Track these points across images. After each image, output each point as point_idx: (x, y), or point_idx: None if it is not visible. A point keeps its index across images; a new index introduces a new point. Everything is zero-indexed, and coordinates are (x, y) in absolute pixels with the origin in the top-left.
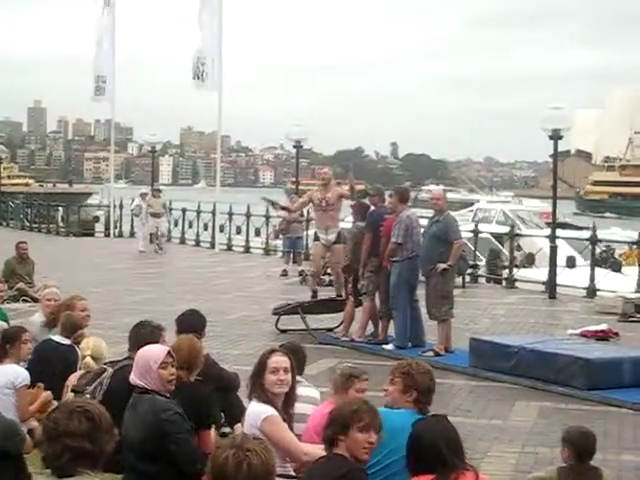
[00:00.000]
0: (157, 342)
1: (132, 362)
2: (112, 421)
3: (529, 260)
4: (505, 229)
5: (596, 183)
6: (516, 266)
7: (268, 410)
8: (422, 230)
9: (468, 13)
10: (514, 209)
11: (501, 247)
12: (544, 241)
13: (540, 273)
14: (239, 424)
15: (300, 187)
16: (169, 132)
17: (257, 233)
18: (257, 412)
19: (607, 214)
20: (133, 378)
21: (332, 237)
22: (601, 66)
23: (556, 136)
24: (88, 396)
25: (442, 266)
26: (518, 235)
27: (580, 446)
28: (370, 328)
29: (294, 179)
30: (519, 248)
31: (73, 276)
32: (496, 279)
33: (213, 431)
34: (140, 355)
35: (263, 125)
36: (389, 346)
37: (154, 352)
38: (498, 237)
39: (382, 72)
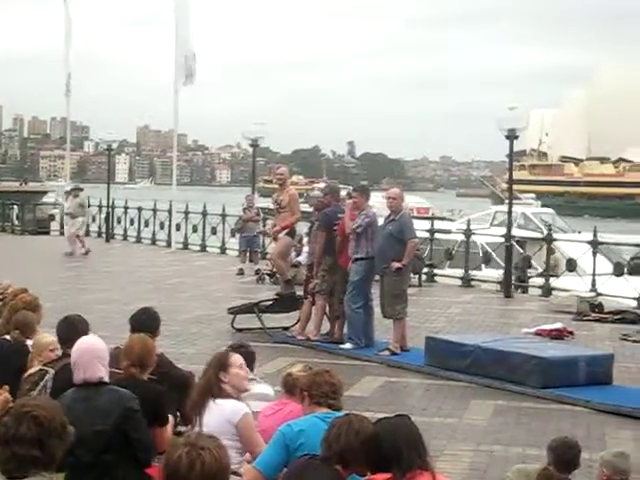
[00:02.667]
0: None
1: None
2: (65, 421)
3: (569, 267)
4: (527, 233)
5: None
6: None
7: (245, 407)
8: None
9: (423, 11)
10: (537, 212)
11: (522, 251)
12: (576, 247)
13: (583, 282)
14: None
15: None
16: (126, 131)
17: (213, 232)
18: (236, 408)
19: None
20: (93, 373)
21: (281, 235)
22: (555, 66)
23: (512, 136)
24: None
25: (396, 265)
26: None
27: (559, 455)
28: (326, 327)
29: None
30: (552, 252)
31: (28, 274)
32: (524, 287)
33: (170, 428)
34: (96, 347)
35: (220, 124)
36: (346, 345)
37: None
38: (521, 242)
39: (340, 71)
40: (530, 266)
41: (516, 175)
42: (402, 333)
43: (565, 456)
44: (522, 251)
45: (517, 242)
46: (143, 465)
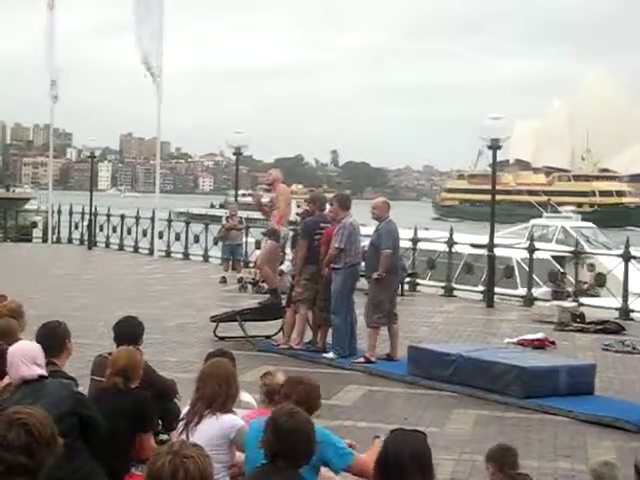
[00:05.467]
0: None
1: (53, 367)
2: (55, 432)
3: (599, 282)
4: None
5: (449, 190)
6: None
7: (241, 420)
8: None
9: (407, 22)
10: (576, 226)
11: (561, 269)
12: (614, 262)
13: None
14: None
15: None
16: (109, 138)
17: (196, 240)
18: (234, 422)
19: (455, 219)
20: (31, 371)
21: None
22: (537, 76)
23: (495, 146)
24: None
25: (374, 275)
26: (580, 253)
27: (502, 461)
28: (308, 336)
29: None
30: (592, 268)
31: (10, 282)
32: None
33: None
34: (22, 349)
35: (203, 132)
36: (330, 354)
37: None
38: (559, 258)
39: (323, 79)
40: (564, 283)
41: (454, 184)
42: (393, 343)
43: (507, 459)
44: (559, 268)
45: (554, 258)
46: (94, 444)
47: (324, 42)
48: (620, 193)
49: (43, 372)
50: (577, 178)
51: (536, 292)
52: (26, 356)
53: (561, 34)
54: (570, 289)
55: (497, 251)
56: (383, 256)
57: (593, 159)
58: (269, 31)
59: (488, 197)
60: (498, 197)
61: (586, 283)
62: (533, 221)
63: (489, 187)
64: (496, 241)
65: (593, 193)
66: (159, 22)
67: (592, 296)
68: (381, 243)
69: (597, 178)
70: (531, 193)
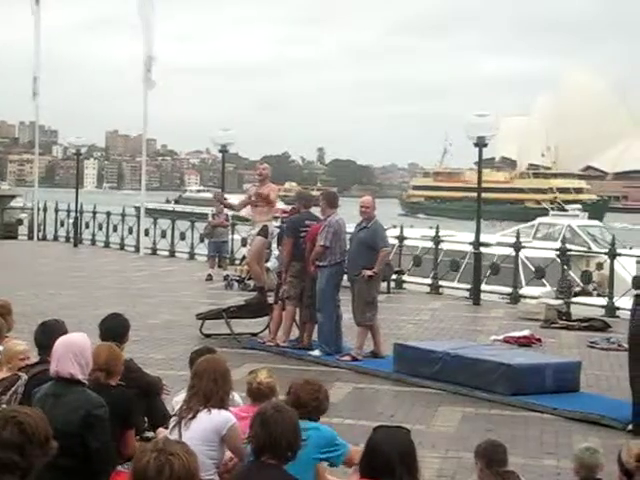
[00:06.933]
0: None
1: (48, 366)
2: (50, 435)
3: (584, 280)
4: (574, 248)
5: (415, 187)
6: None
7: (232, 417)
8: (348, 236)
9: (392, 19)
10: (583, 225)
11: (567, 269)
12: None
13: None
14: (161, 428)
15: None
16: (94, 135)
17: (182, 237)
18: (226, 418)
19: (422, 215)
20: (65, 366)
21: (255, 231)
22: (525, 73)
23: (481, 143)
24: (4, 406)
25: (368, 273)
26: (566, 251)
27: (490, 456)
28: (294, 333)
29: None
30: (600, 267)
31: None
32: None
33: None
34: (75, 343)
35: (189, 129)
36: (315, 352)
37: (82, 341)
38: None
39: (309, 77)
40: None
41: (420, 182)
42: (377, 341)
43: (496, 456)
44: (565, 268)
45: (560, 258)
46: (99, 475)
47: (310, 39)
48: (578, 190)
49: (78, 373)
50: (537, 175)
51: (539, 291)
52: (68, 350)
53: (548, 30)
54: (577, 288)
55: (501, 249)
56: (382, 254)
57: (552, 157)
58: (256, 27)
59: (451, 194)
60: (460, 194)
61: (594, 282)
62: (539, 219)
63: (453, 185)
64: (501, 239)
65: (551, 190)
66: (146, 18)
67: (600, 295)
68: (378, 242)
69: (555, 176)
70: (489, 190)
